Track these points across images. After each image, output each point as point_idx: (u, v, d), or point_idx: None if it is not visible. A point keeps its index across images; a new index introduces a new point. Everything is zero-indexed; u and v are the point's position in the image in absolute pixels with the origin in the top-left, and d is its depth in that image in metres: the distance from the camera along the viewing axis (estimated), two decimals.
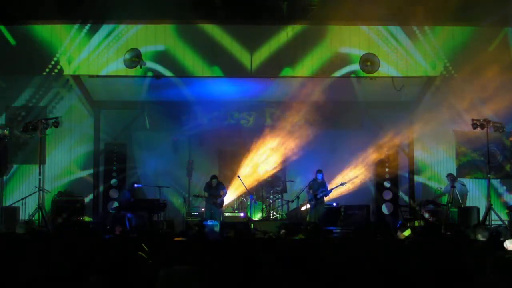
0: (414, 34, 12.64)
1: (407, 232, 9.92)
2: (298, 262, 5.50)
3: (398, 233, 8.93)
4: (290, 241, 7.76)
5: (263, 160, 15.01)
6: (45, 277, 5.00)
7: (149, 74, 12.81)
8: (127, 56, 12.27)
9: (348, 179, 14.08)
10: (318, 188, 13.45)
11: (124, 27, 12.55)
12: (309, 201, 13.56)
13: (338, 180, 14.00)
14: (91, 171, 14.75)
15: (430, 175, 14.80)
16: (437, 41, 12.65)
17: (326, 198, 13.61)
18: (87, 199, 14.49)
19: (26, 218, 12.79)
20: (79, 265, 5.07)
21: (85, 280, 4.81)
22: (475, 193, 14.43)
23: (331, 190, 13.56)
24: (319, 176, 13.49)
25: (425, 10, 12.06)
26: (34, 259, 5.39)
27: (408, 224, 12.67)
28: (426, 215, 12.95)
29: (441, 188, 14.27)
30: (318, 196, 13.37)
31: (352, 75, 13.01)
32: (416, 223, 10.10)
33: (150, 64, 12.56)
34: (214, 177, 13.62)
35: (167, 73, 12.79)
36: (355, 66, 12.57)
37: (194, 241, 7.68)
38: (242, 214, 14.04)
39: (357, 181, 14.55)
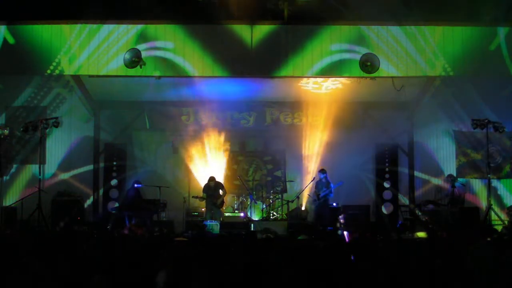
0: (413, 35, 12.63)
1: (422, 234, 9.89)
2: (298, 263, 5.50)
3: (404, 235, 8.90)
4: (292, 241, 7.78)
5: (262, 160, 15.01)
6: (46, 277, 5.00)
7: (150, 74, 12.79)
8: (127, 56, 12.26)
9: (347, 179, 14.04)
10: (322, 188, 13.45)
11: (125, 27, 12.55)
12: (312, 201, 13.54)
13: (337, 179, 13.97)
14: (91, 171, 14.74)
15: (430, 175, 14.79)
16: (437, 41, 12.64)
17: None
18: (87, 200, 14.47)
19: (26, 218, 12.76)
20: (81, 265, 5.08)
21: (88, 280, 4.82)
22: (475, 193, 14.45)
23: (333, 190, 13.52)
24: (321, 176, 13.50)
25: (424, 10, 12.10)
26: (35, 259, 5.38)
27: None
28: (423, 215, 12.96)
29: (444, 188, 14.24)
30: (320, 196, 13.37)
31: (351, 75, 13.00)
32: (420, 234, 10.04)
33: (150, 64, 12.55)
34: (212, 178, 13.60)
35: (167, 73, 12.78)
36: (355, 66, 12.57)
37: (195, 241, 7.69)
38: (242, 214, 14.04)
39: (357, 181, 14.54)
